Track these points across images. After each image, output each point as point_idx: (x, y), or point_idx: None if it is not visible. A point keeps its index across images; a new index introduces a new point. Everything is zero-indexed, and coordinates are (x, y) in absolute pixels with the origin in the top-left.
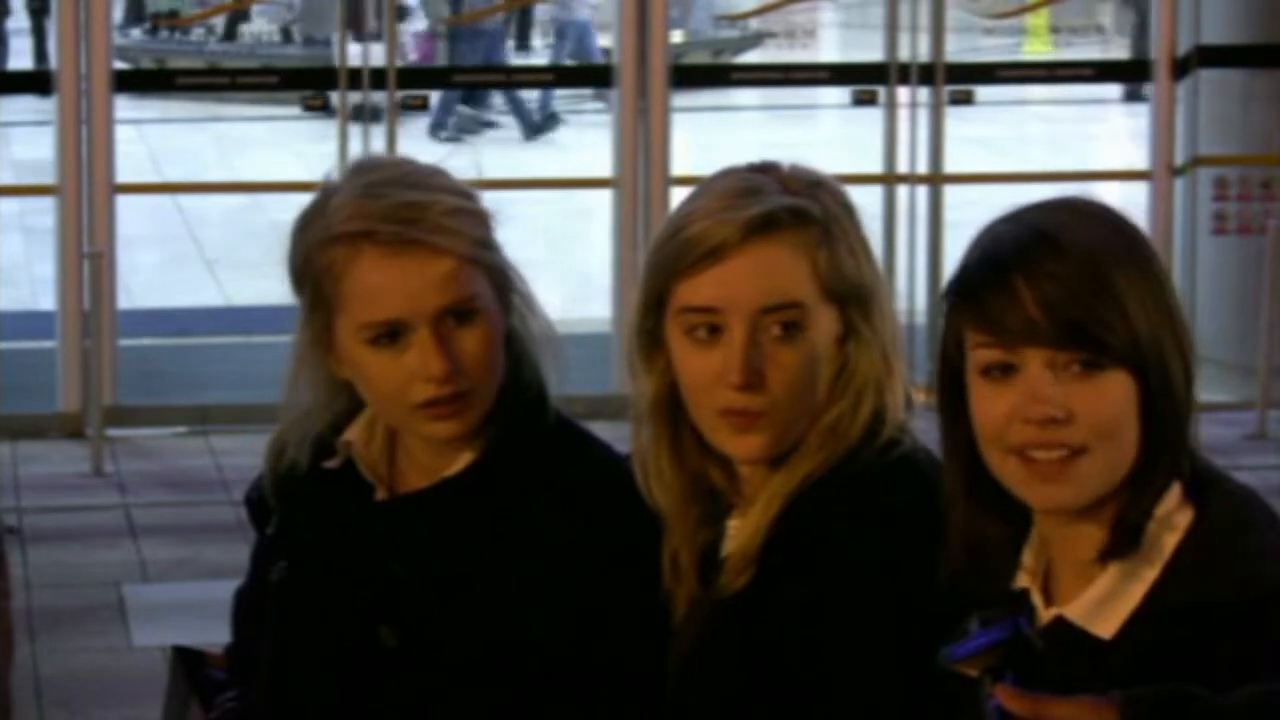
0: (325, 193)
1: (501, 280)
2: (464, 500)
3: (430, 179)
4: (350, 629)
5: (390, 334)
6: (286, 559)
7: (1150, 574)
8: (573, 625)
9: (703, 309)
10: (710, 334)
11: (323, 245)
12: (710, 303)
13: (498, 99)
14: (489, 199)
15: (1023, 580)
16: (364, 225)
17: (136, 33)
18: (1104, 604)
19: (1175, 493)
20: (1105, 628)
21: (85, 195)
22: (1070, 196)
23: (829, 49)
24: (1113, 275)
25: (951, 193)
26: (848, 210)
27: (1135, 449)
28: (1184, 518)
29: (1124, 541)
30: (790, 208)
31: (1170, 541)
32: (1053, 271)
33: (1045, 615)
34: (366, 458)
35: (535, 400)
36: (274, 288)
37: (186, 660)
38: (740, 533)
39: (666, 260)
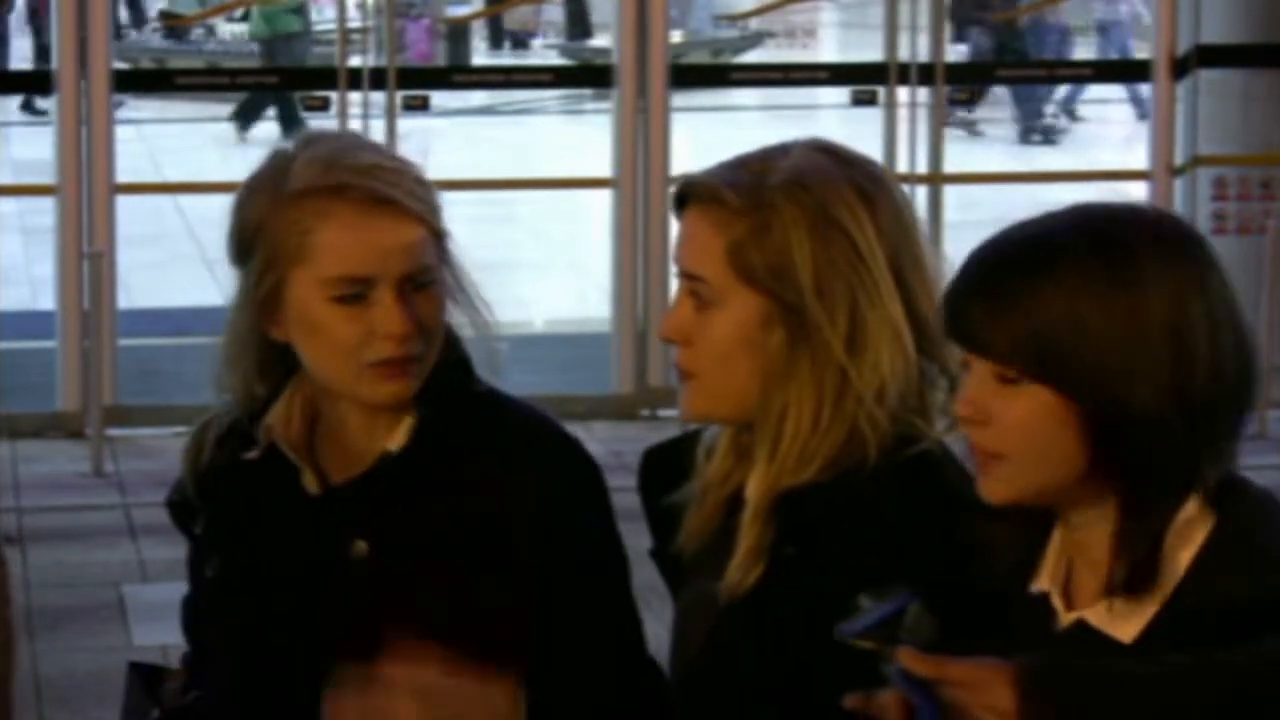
0: (279, 155)
1: (446, 255)
2: (412, 474)
3: (388, 151)
4: (297, 619)
5: (355, 292)
6: (219, 556)
7: (1172, 577)
8: (541, 582)
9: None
10: None
11: (290, 200)
12: (674, 254)
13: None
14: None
15: (1043, 583)
16: (340, 179)
17: (135, 33)
18: (1126, 607)
19: (1194, 502)
20: (1127, 631)
21: (85, 195)
22: (1090, 203)
23: (828, 49)
24: (1066, 298)
25: (951, 193)
26: (816, 212)
27: (1077, 467)
28: (1205, 524)
29: (1137, 576)
30: (711, 186)
31: (1191, 547)
32: (1008, 288)
33: (1066, 619)
34: (288, 439)
35: (458, 365)
36: None
37: (144, 676)
38: (743, 535)
39: None
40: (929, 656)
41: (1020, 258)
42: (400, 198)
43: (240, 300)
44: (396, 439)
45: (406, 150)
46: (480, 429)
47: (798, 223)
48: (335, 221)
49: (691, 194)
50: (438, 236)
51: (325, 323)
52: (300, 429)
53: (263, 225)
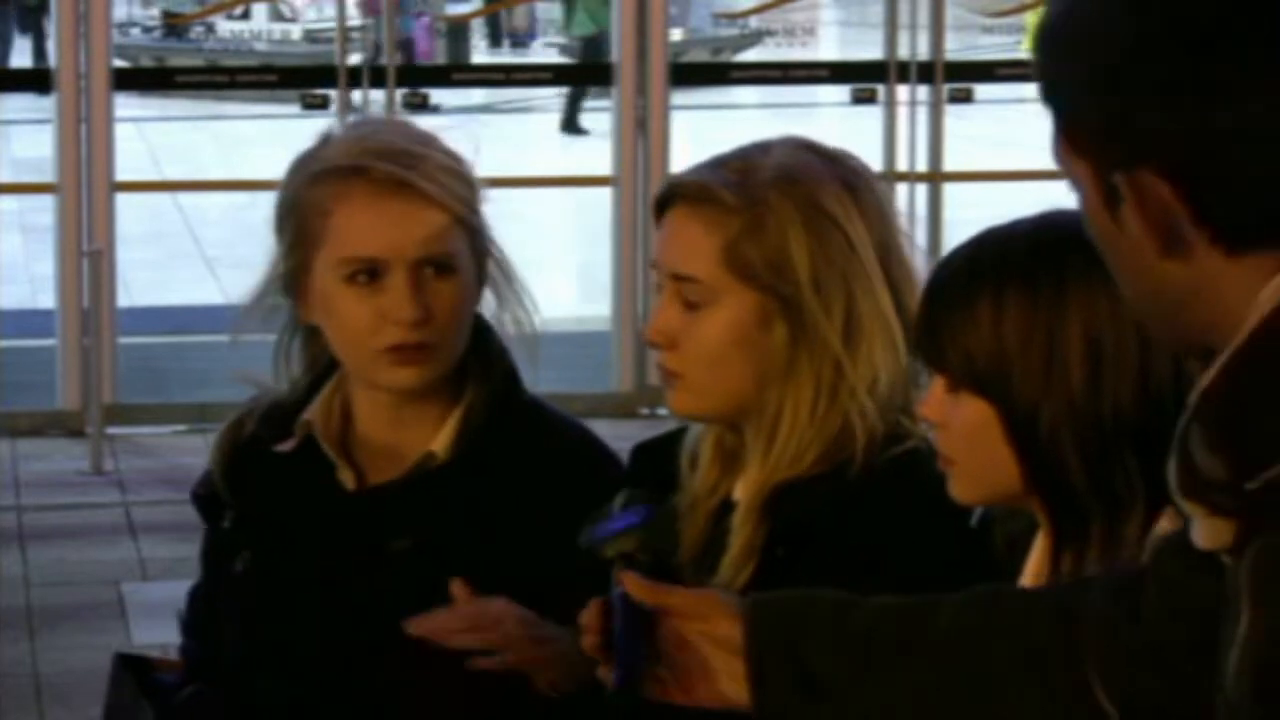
0: (323, 138)
1: (481, 248)
2: (456, 481)
3: (427, 137)
4: (336, 616)
5: (368, 272)
6: (250, 549)
7: None
8: (568, 601)
9: (653, 264)
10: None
11: (315, 179)
12: (654, 258)
13: None
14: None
15: (1026, 582)
16: (360, 160)
17: (136, 31)
18: None
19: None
20: None
21: (85, 193)
22: (1056, 211)
23: (828, 47)
24: (991, 318)
25: (951, 191)
26: (808, 206)
27: (1015, 479)
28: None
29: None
30: (702, 186)
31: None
32: (947, 303)
33: None
34: (327, 436)
35: (506, 373)
36: None
37: (133, 666)
38: (735, 534)
39: None
40: (651, 584)
41: (962, 273)
42: (419, 181)
43: (266, 275)
44: (440, 442)
45: (454, 143)
46: (524, 443)
47: (792, 217)
48: (352, 202)
49: (680, 194)
50: (467, 227)
51: (339, 304)
52: (338, 425)
53: (295, 204)
